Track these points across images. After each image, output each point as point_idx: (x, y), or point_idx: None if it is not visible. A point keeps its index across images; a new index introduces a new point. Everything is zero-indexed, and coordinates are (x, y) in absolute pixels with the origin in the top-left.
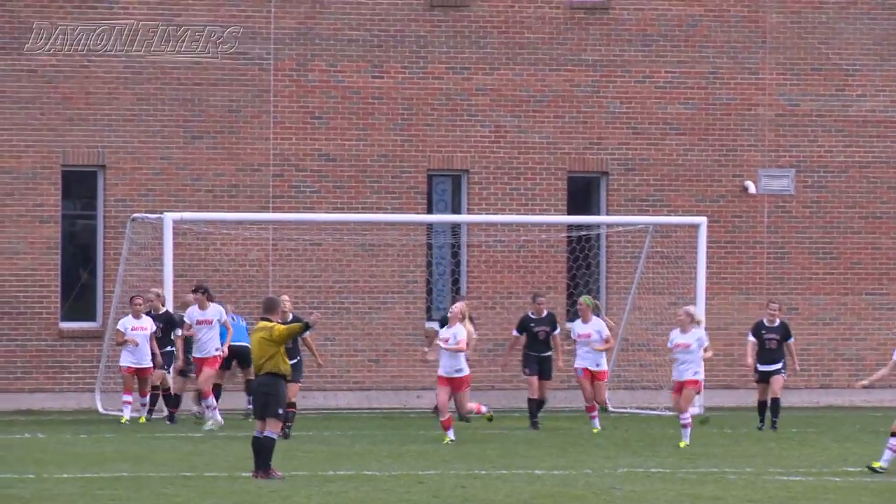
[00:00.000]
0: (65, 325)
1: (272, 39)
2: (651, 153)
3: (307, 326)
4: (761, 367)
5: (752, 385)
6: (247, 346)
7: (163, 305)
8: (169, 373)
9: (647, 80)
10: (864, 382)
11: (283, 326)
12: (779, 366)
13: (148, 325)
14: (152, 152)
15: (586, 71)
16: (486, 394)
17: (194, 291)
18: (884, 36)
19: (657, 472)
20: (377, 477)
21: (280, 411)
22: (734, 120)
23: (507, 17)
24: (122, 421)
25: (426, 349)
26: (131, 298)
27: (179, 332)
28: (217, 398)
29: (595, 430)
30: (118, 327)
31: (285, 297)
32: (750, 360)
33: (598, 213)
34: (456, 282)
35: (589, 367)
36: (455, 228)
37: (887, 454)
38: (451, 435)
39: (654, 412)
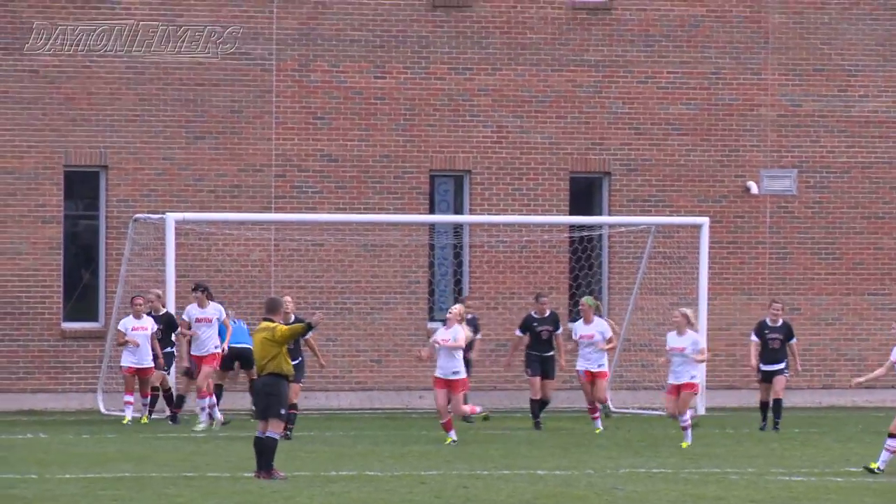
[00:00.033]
0: (67, 326)
1: (274, 40)
2: (653, 153)
3: (310, 327)
4: (764, 367)
5: (753, 385)
6: (249, 348)
7: (163, 306)
8: (169, 373)
9: (649, 80)
10: (860, 380)
11: (285, 327)
12: (781, 366)
13: (149, 325)
14: (154, 152)
15: (588, 71)
16: (487, 394)
17: (194, 290)
18: (886, 36)
19: (659, 473)
20: (379, 477)
21: (282, 412)
22: (736, 120)
23: (510, 17)
24: (125, 422)
25: (421, 348)
26: (132, 298)
27: (183, 331)
28: (219, 399)
29: (597, 431)
30: (119, 328)
31: (288, 298)
32: (753, 361)
33: (600, 213)
34: (458, 282)
35: (590, 369)
36: (457, 229)
37: (885, 455)
38: (452, 435)
39: (657, 412)
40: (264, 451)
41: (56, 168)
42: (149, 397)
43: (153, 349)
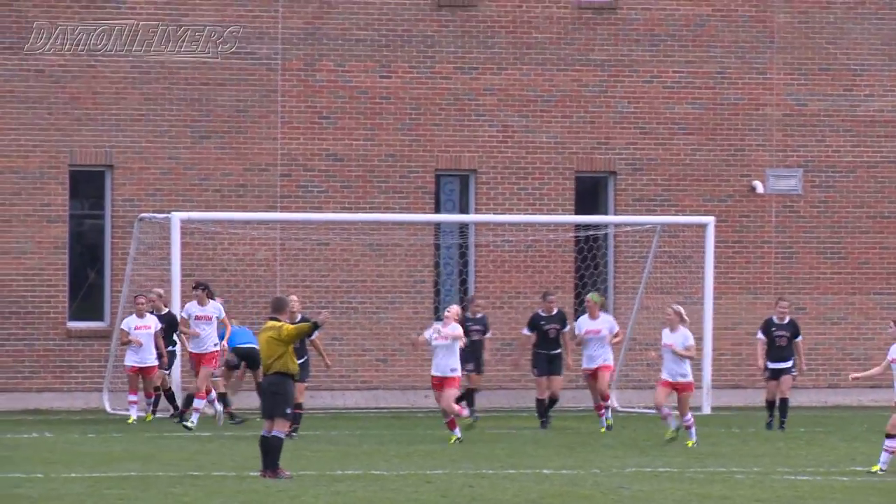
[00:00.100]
0: (72, 325)
1: (280, 39)
2: (659, 153)
3: (316, 326)
4: (771, 365)
5: (759, 384)
6: (255, 348)
7: (165, 306)
8: (170, 373)
9: (654, 79)
10: (858, 375)
11: (291, 326)
12: (789, 363)
13: (152, 323)
14: (160, 152)
15: (594, 71)
16: (494, 393)
17: (195, 288)
18: (892, 36)
19: (665, 472)
20: (385, 476)
21: (288, 411)
22: (742, 120)
23: (515, 16)
24: (130, 421)
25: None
26: (135, 297)
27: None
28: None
29: (602, 430)
30: (122, 327)
31: (294, 298)
32: (761, 361)
33: (605, 212)
34: (464, 282)
35: (592, 366)
36: (463, 228)
37: (884, 456)
38: (458, 433)
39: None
40: (270, 451)
41: (61, 167)
42: (152, 397)
43: (157, 347)
